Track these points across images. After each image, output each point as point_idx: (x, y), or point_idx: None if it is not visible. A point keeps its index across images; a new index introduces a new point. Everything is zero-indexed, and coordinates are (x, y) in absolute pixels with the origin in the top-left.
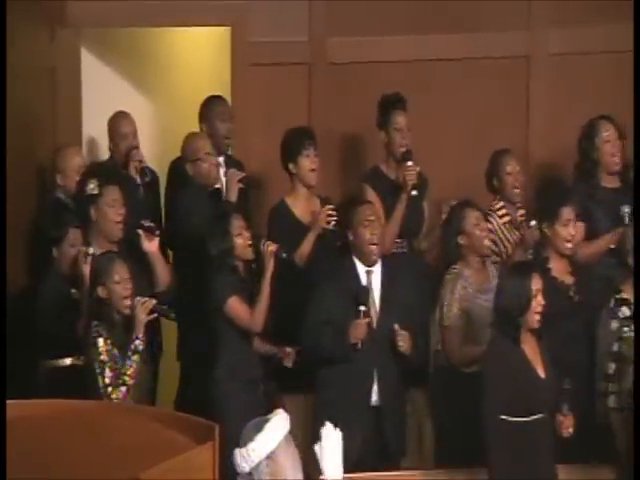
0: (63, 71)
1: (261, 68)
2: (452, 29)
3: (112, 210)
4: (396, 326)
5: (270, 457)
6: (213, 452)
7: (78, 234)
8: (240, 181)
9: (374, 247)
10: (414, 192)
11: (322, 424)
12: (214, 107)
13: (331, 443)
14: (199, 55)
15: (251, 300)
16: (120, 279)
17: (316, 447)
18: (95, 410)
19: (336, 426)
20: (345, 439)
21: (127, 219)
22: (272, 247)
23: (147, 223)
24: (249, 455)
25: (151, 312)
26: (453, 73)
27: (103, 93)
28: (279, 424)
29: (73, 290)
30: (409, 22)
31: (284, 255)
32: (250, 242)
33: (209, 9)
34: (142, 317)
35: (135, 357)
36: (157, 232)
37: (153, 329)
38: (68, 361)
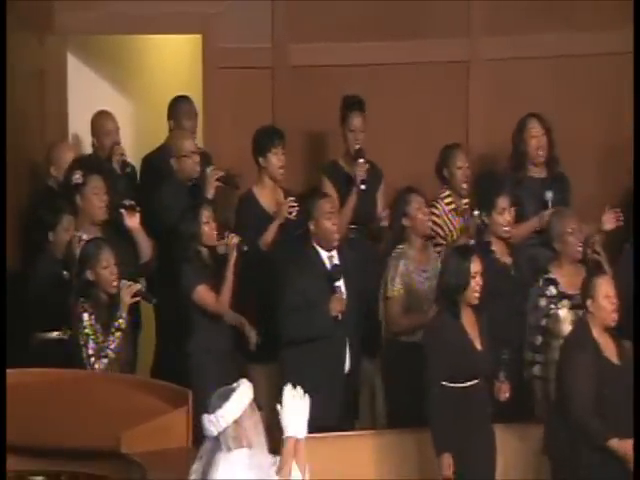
0: (51, 74)
1: (229, 71)
2: (401, 37)
3: (96, 197)
4: None
5: (236, 421)
6: (187, 415)
7: (72, 220)
8: (218, 179)
9: (336, 235)
10: (363, 187)
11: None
12: (181, 106)
13: (293, 403)
14: (174, 60)
15: (217, 285)
16: (107, 264)
17: (278, 407)
18: (81, 378)
19: (306, 392)
20: (322, 405)
21: (109, 205)
22: (235, 239)
23: (128, 202)
24: (217, 421)
25: (134, 295)
26: (403, 76)
27: (87, 94)
28: (244, 392)
29: (65, 272)
30: (363, 30)
31: (245, 248)
32: (216, 231)
33: (183, 18)
34: (126, 299)
35: (118, 334)
36: (137, 209)
37: (134, 310)
38: (55, 334)
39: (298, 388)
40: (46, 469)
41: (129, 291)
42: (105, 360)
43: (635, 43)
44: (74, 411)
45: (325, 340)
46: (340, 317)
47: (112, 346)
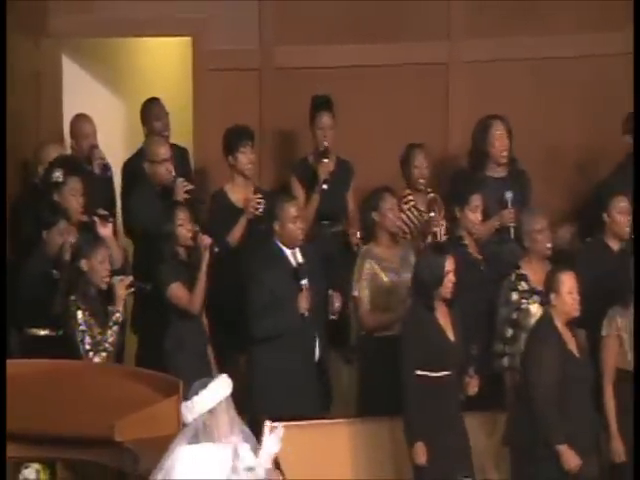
0: (46, 76)
1: (218, 73)
2: (384, 39)
3: (73, 198)
4: (330, 291)
5: (211, 412)
6: (177, 404)
7: (66, 225)
8: (187, 192)
9: (299, 237)
10: (325, 186)
11: (261, 385)
12: (150, 108)
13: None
14: (165, 62)
15: (191, 283)
16: (103, 259)
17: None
18: (75, 369)
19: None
20: (292, 397)
21: (86, 207)
22: (207, 241)
23: (101, 212)
24: (193, 407)
25: (129, 287)
26: (385, 77)
27: (82, 95)
28: (222, 385)
29: (54, 271)
30: (347, 33)
31: (217, 249)
32: (191, 233)
33: (173, 22)
34: (121, 292)
35: (115, 328)
36: (110, 219)
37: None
38: (42, 333)
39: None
40: (42, 456)
41: (122, 284)
42: (104, 354)
43: (635, 43)
44: (69, 401)
45: (294, 335)
46: (307, 314)
47: (110, 340)
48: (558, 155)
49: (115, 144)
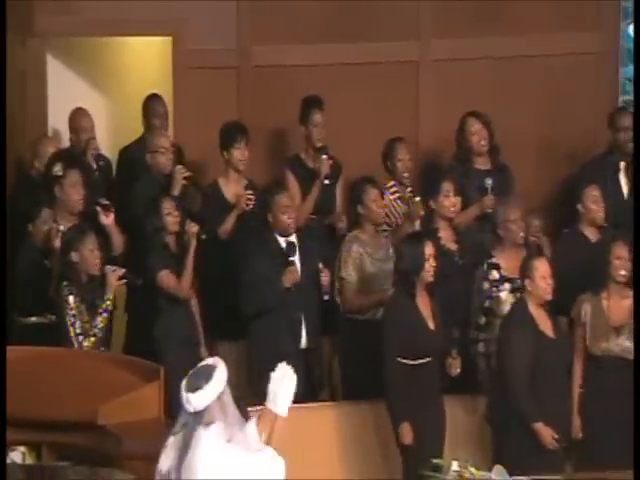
0: (32, 74)
1: (197, 71)
2: (356, 39)
3: (73, 190)
4: (320, 265)
5: (218, 397)
6: (159, 390)
7: (50, 213)
8: (185, 179)
9: (291, 228)
10: (327, 181)
11: (258, 369)
12: (151, 105)
13: (285, 382)
14: (146, 60)
15: (179, 271)
16: (93, 248)
17: (271, 375)
18: (61, 355)
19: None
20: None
21: (86, 198)
22: (194, 228)
23: (103, 201)
24: (202, 398)
25: (120, 279)
26: (358, 75)
27: (65, 93)
28: (223, 369)
29: (46, 261)
30: (321, 33)
31: (203, 236)
32: (179, 220)
33: (154, 22)
34: (113, 282)
35: (105, 314)
36: (112, 208)
37: None
38: (34, 319)
39: (290, 368)
40: (27, 439)
41: (115, 275)
42: (93, 339)
43: (635, 43)
44: (54, 386)
45: (281, 315)
46: (293, 289)
47: (100, 325)
48: (523, 151)
49: (99, 141)
